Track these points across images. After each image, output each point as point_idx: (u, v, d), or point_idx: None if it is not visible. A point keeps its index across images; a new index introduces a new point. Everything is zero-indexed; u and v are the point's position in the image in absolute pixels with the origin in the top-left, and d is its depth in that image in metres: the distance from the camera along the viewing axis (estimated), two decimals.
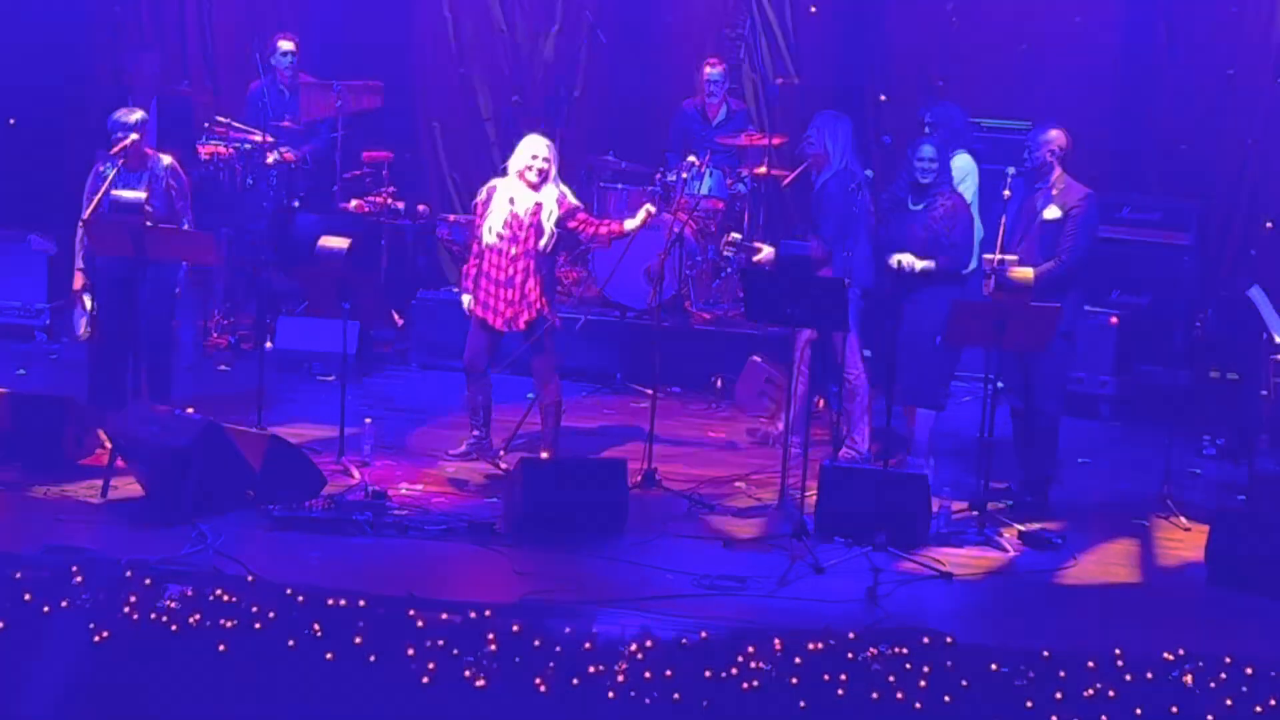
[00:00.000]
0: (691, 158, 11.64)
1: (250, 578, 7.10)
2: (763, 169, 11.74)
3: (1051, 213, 8.73)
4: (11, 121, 12.46)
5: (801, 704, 6.63)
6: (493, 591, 7.26)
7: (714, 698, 6.65)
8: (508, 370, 9.68)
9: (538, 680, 6.69)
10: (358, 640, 6.78)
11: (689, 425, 10.41)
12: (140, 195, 9.12)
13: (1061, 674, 6.67)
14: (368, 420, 9.25)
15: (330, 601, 6.91)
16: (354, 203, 11.92)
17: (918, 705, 6.63)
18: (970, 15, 12.14)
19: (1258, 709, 6.61)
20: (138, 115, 9.33)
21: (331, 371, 10.37)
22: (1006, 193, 8.65)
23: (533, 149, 9.03)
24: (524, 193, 9.00)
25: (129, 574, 7.02)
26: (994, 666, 6.70)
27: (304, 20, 12.34)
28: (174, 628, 6.86)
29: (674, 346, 10.77)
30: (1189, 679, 6.66)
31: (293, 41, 11.98)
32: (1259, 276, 10.18)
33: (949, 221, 8.87)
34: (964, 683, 6.65)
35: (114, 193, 9.11)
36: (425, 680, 6.71)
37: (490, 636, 6.76)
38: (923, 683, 6.65)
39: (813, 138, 9.55)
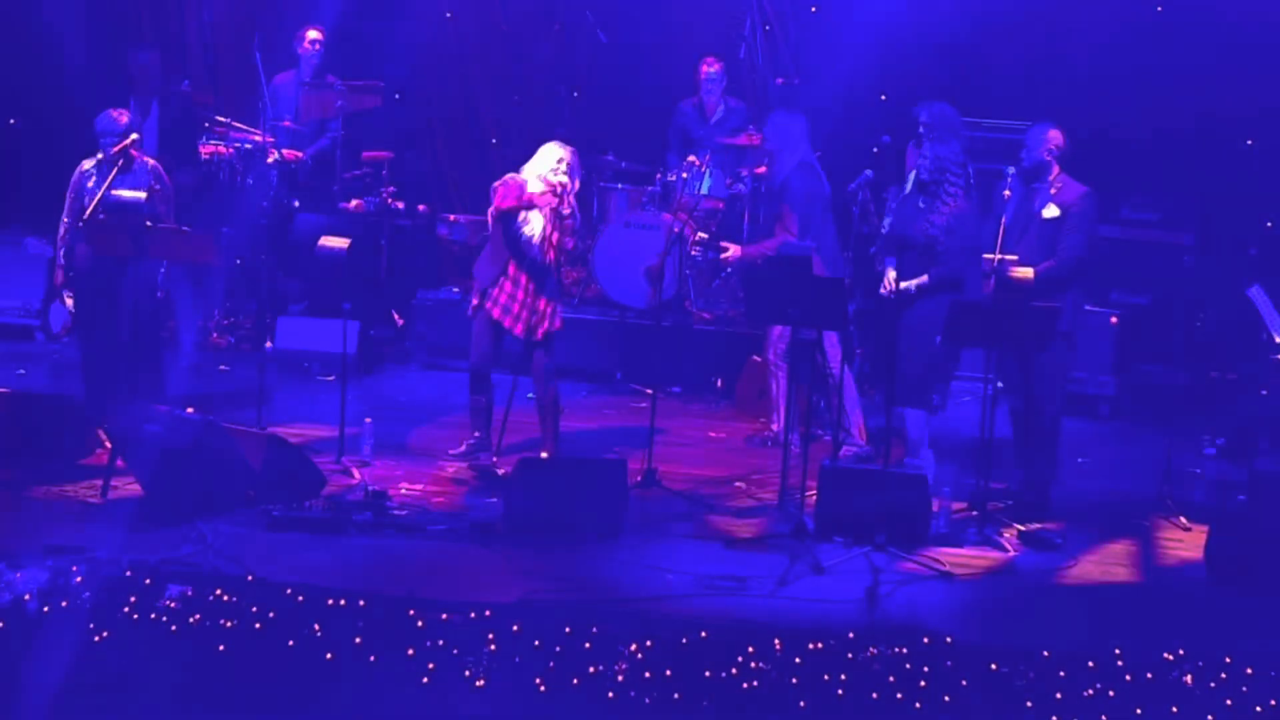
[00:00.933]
0: (692, 158, 11.65)
1: (250, 578, 7.10)
2: (763, 169, 11.73)
3: (1050, 212, 8.73)
4: (11, 121, 12.48)
5: (801, 704, 6.64)
6: (493, 591, 7.25)
7: (714, 698, 6.65)
8: (508, 371, 9.67)
9: (538, 680, 6.69)
10: (358, 640, 6.78)
11: (689, 425, 10.41)
12: (140, 195, 9.12)
13: (1061, 674, 6.67)
14: (368, 420, 9.25)
15: (330, 601, 6.91)
16: (354, 203, 11.93)
17: (917, 705, 6.63)
18: (970, 15, 12.13)
19: (1258, 709, 6.62)
20: (126, 117, 9.32)
21: (331, 371, 10.37)
22: (1006, 192, 8.66)
23: (558, 154, 8.98)
24: (547, 200, 8.97)
25: (129, 574, 7.02)
26: (994, 666, 6.70)
27: (304, 20, 12.34)
28: (174, 628, 6.86)
29: (674, 346, 10.78)
30: (1189, 679, 6.67)
31: (320, 31, 12.05)
32: (1259, 276, 10.18)
33: (949, 229, 8.79)
34: (964, 683, 6.65)
35: (114, 193, 9.11)
36: (425, 680, 6.71)
37: (490, 636, 6.76)
38: (922, 683, 6.65)
39: (768, 135, 9.66)
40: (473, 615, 6.85)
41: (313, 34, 12.11)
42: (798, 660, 6.69)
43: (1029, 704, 6.62)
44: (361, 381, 10.80)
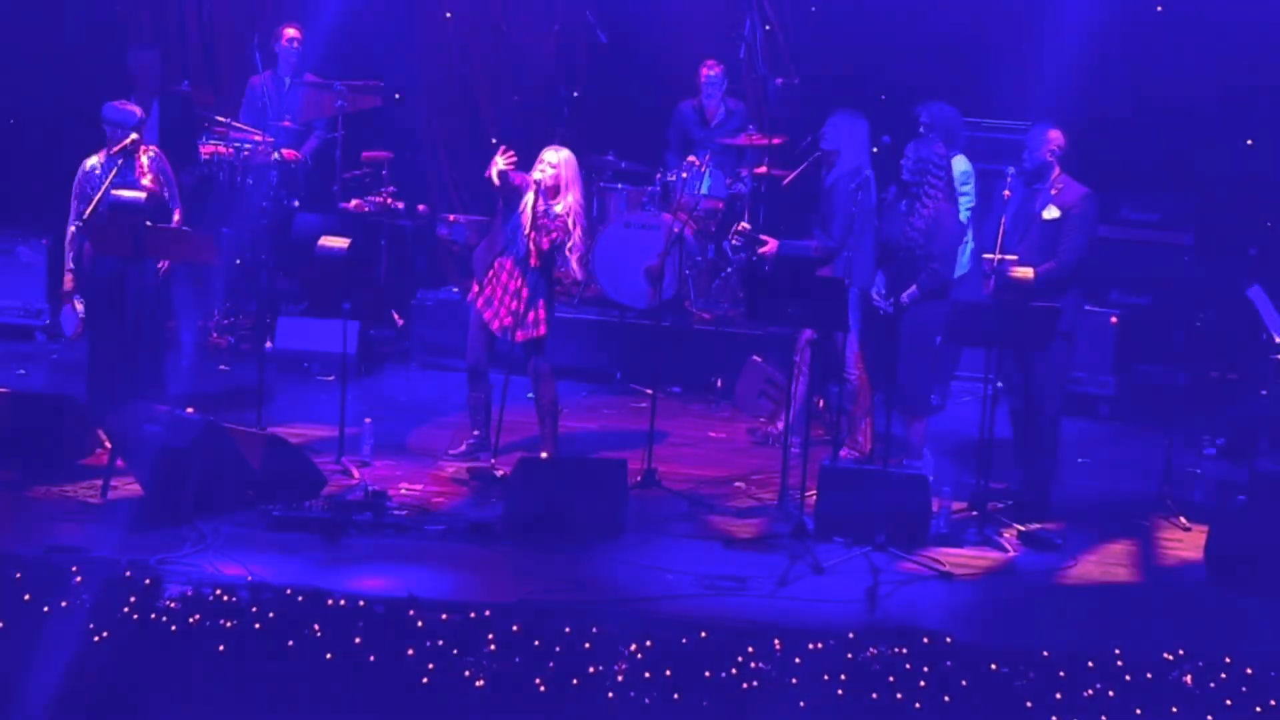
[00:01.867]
0: (691, 158, 11.65)
1: (250, 578, 7.10)
2: (763, 169, 11.74)
3: (1051, 212, 8.73)
4: (11, 121, 12.46)
5: (801, 704, 6.63)
6: (493, 591, 7.26)
7: (714, 698, 6.65)
8: (507, 370, 9.67)
9: (538, 680, 6.69)
10: (358, 640, 6.78)
11: (689, 425, 10.41)
12: (140, 195, 9.12)
13: (1061, 674, 6.67)
14: (367, 420, 9.25)
15: (330, 601, 6.91)
16: (354, 203, 11.92)
17: (917, 705, 6.62)
18: (970, 15, 12.13)
19: (1258, 709, 6.61)
20: (135, 111, 9.31)
21: (331, 371, 10.37)
22: (1006, 193, 8.66)
23: (546, 155, 9.03)
24: (535, 200, 8.98)
25: (129, 574, 7.02)
26: (994, 666, 6.69)
27: (304, 20, 12.33)
28: (174, 628, 6.85)
29: (674, 346, 10.78)
30: (1189, 679, 6.67)
31: (297, 29, 12.02)
32: (1259, 276, 10.17)
33: (928, 233, 8.75)
34: (964, 683, 6.65)
35: (114, 192, 9.10)
36: (425, 680, 6.71)
37: (490, 636, 6.76)
38: (922, 683, 6.65)
39: (827, 134, 9.54)
40: (473, 615, 6.85)
41: (290, 31, 12.05)
42: (798, 660, 6.68)
43: (1029, 704, 6.62)
44: (361, 381, 10.80)
